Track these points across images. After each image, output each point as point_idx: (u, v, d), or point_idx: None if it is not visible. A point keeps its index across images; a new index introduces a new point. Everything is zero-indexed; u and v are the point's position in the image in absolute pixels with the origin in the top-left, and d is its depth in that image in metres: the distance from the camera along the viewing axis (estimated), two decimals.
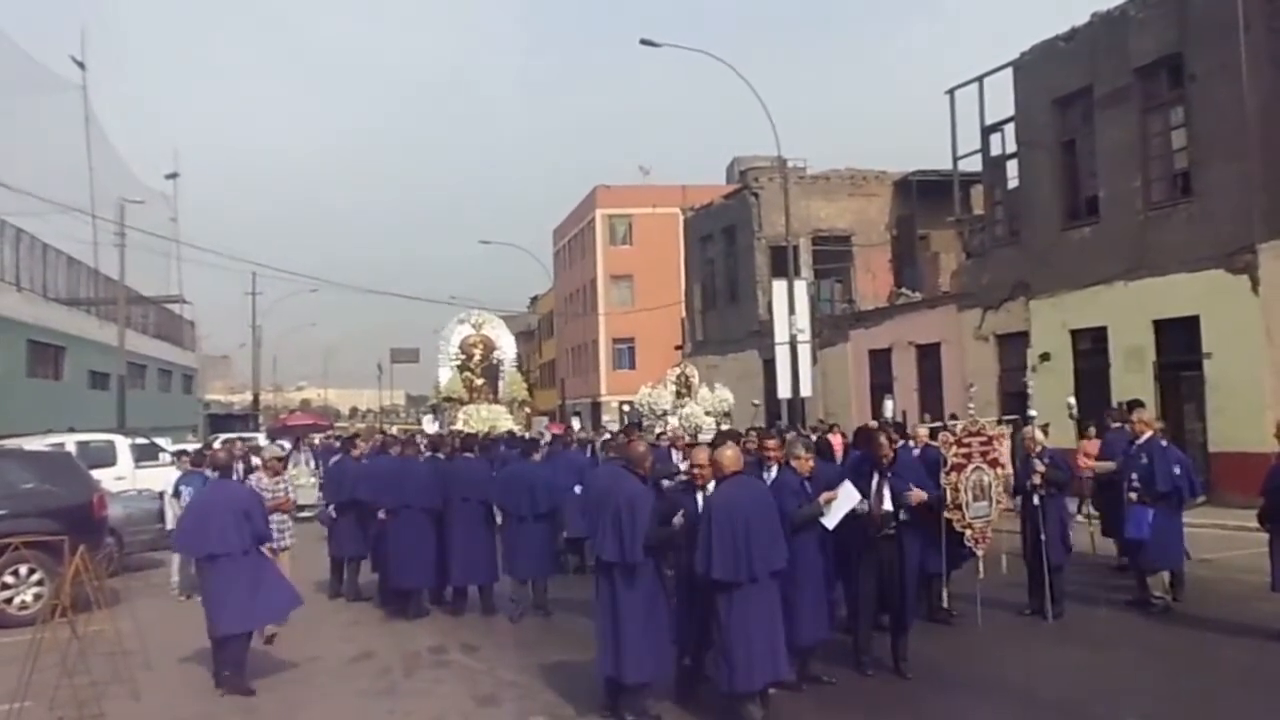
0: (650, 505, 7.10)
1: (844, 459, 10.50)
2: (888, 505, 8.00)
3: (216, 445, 17.63)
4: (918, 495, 8.23)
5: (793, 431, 14.45)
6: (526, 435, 21.16)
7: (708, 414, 24.52)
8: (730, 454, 7.16)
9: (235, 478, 10.38)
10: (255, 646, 9.25)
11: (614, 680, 7.02)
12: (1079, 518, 12.54)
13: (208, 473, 11.20)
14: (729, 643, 6.60)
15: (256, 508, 8.69)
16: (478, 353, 27.88)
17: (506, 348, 28.92)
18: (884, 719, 7.17)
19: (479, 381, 27.49)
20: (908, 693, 7.63)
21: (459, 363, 27.86)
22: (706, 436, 15.68)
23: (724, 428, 18.59)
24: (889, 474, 8.15)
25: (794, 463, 7.92)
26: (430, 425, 28.51)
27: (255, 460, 14.20)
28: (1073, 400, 12.98)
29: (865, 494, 7.92)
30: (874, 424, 11.77)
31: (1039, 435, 10.34)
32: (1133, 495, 9.95)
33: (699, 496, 7.23)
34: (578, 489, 12.26)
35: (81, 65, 40.64)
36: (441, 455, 12.54)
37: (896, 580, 7.97)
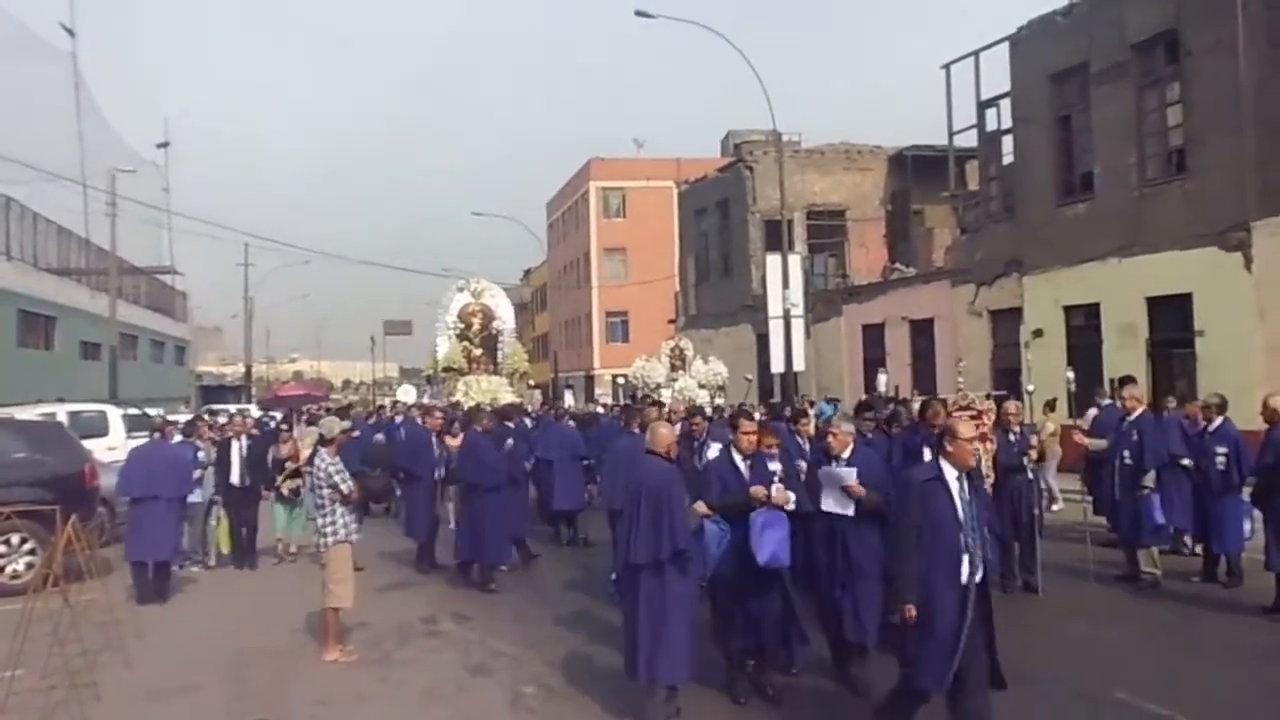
0: (681, 489, 6.50)
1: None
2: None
3: (222, 419, 17.48)
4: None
5: (893, 404, 14.10)
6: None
7: (701, 387, 24.56)
8: (664, 432, 6.84)
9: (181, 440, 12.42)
10: (245, 621, 9.29)
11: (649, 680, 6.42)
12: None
13: (163, 435, 11.78)
14: (637, 632, 6.32)
15: (185, 464, 11.49)
16: (477, 322, 27.28)
17: (506, 317, 28.38)
18: (876, 693, 7.13)
19: (478, 351, 27.04)
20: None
21: (457, 332, 27.41)
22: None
23: (739, 404, 18.58)
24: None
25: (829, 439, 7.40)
26: (405, 395, 28.34)
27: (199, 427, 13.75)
28: (1071, 374, 12.94)
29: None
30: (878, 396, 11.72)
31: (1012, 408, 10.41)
32: (1145, 488, 9.91)
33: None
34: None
35: (71, 32, 40.29)
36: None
37: None
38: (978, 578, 5.40)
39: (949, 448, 5.61)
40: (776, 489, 6.69)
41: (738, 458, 6.93)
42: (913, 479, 5.74)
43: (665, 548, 6.18)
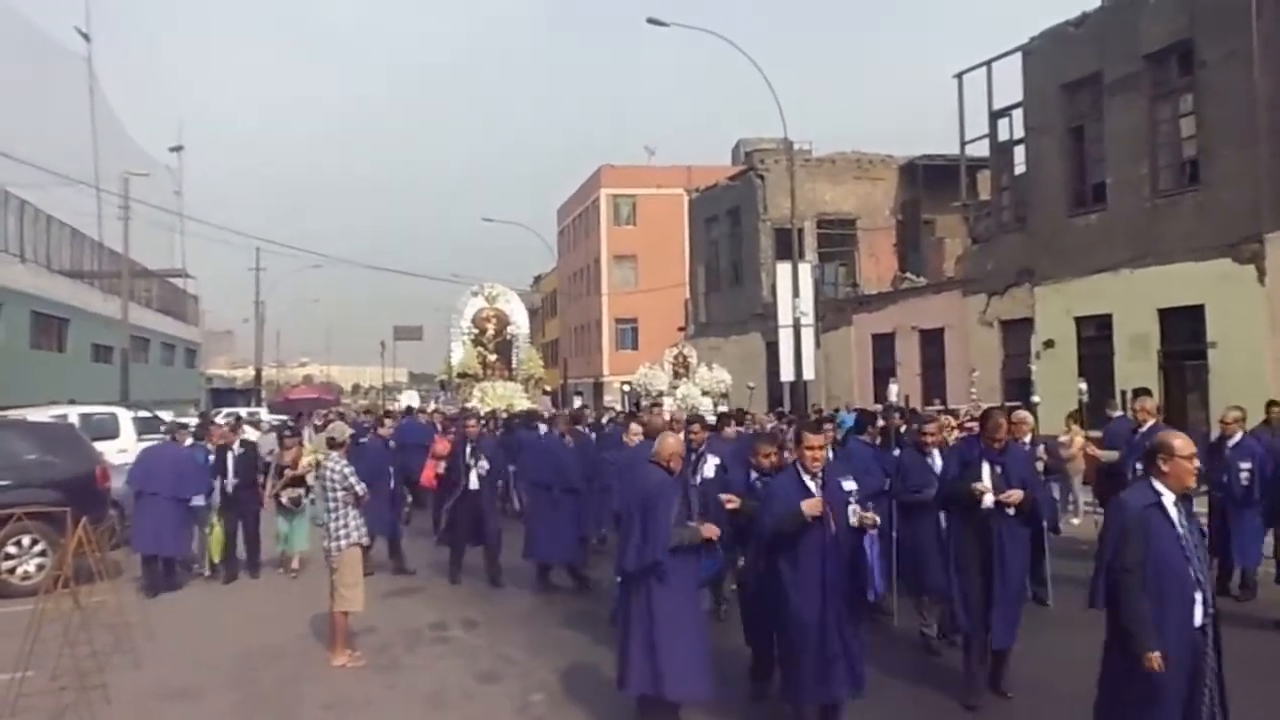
0: (669, 499, 6.15)
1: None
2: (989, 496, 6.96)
3: (220, 420, 17.42)
4: (1015, 495, 7.02)
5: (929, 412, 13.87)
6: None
7: (705, 394, 24.52)
8: (670, 442, 6.54)
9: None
10: (254, 623, 9.30)
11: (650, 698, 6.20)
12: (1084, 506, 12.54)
13: (175, 439, 12.21)
14: (626, 643, 6.21)
15: (192, 466, 11.67)
16: (491, 327, 27.18)
17: (521, 323, 28.29)
18: (894, 713, 7.01)
19: (492, 357, 26.91)
20: (916, 684, 7.47)
21: (472, 337, 27.28)
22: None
23: (721, 409, 18.55)
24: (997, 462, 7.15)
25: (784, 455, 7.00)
26: (409, 399, 28.40)
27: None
28: (1083, 385, 12.90)
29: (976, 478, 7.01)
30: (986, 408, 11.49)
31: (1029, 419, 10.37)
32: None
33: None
34: None
35: (86, 36, 40.68)
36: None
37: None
38: (1210, 617, 4.66)
39: (1163, 466, 4.76)
40: (853, 510, 5.99)
41: (806, 477, 6.09)
42: (1127, 506, 4.81)
43: (647, 557, 6.03)
